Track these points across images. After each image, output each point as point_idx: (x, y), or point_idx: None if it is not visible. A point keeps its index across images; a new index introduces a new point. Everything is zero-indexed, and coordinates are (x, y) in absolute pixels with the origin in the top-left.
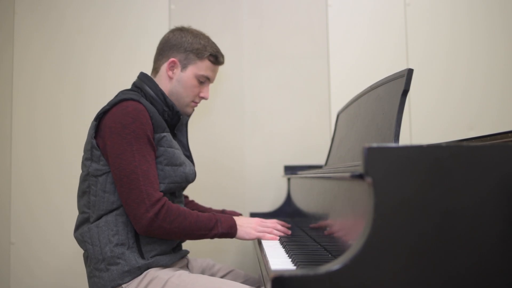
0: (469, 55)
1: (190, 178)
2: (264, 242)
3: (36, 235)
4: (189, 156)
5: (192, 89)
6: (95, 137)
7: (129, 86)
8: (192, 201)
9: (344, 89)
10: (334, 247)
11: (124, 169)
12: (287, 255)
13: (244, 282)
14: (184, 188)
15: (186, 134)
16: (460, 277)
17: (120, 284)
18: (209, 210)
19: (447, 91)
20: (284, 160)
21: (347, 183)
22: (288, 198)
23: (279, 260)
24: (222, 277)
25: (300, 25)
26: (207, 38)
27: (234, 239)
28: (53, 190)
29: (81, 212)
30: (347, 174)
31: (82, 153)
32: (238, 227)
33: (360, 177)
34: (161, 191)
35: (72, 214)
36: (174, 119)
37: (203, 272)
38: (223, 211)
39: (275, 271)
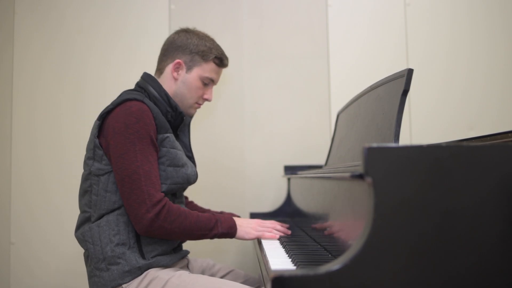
0: (469, 55)
1: (191, 179)
2: (264, 242)
3: (36, 235)
4: (191, 157)
5: (196, 90)
6: (98, 137)
7: (129, 86)
8: (192, 202)
9: (344, 89)
10: (334, 247)
11: (126, 169)
12: (287, 255)
13: (244, 282)
14: (185, 189)
15: (188, 135)
16: (460, 277)
17: (121, 284)
18: (207, 211)
19: (447, 91)
20: (284, 160)
21: (347, 183)
22: (288, 198)
23: (279, 260)
24: (222, 277)
25: (300, 25)
26: (212, 40)
27: (234, 239)
28: (53, 190)
29: (82, 211)
30: (347, 174)
31: (82, 153)
32: (238, 227)
33: (360, 177)
34: (162, 192)
35: (72, 214)
36: (177, 120)
37: (203, 272)
38: (221, 213)
39: (275, 271)
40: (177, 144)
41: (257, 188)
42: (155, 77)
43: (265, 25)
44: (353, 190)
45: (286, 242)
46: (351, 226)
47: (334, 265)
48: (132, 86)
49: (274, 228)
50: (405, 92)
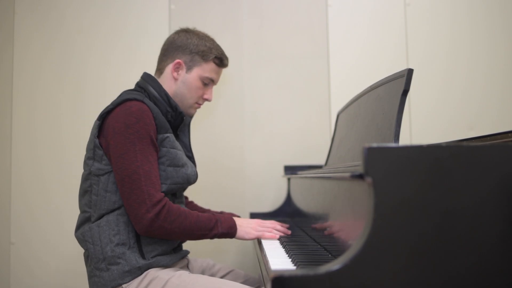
0: (469, 55)
1: (191, 179)
2: (264, 242)
3: (36, 235)
4: (191, 157)
5: (196, 90)
6: (98, 137)
7: (129, 86)
8: (192, 202)
9: (344, 89)
10: (334, 247)
11: (126, 169)
12: (287, 255)
13: (244, 282)
14: (185, 189)
15: (188, 135)
16: (460, 277)
17: (121, 284)
18: (207, 211)
19: (447, 91)
20: (284, 160)
21: (347, 183)
22: (288, 198)
23: (279, 260)
24: (222, 277)
25: (300, 25)
26: (212, 41)
27: (234, 239)
28: (53, 190)
29: (82, 211)
30: (347, 174)
31: (82, 153)
32: (238, 227)
33: (360, 177)
34: (162, 192)
35: (72, 214)
36: (177, 120)
37: (203, 272)
38: (221, 213)
39: (275, 271)
40: (177, 144)
41: (257, 188)
42: (155, 77)
43: (265, 25)
44: (353, 190)
45: (286, 242)
46: (351, 226)
47: (334, 265)
48: (132, 86)
49: (274, 228)
50: (405, 92)
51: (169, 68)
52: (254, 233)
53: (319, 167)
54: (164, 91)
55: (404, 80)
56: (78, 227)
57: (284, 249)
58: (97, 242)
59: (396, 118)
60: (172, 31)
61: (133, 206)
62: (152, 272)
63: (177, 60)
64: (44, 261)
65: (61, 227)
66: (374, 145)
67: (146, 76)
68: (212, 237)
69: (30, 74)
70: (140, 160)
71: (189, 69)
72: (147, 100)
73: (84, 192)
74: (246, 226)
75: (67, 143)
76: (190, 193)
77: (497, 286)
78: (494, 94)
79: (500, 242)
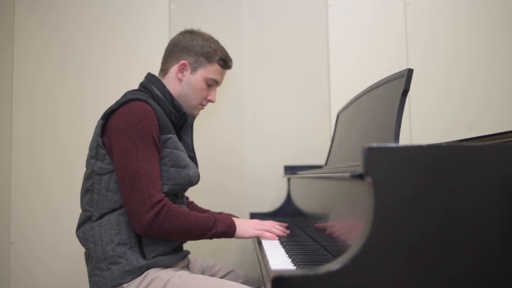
0: (469, 55)
1: (193, 180)
2: (264, 242)
3: (36, 235)
4: (193, 157)
5: (200, 92)
6: (101, 136)
7: (129, 86)
8: (192, 202)
9: (344, 89)
10: (334, 247)
11: (128, 168)
12: (287, 255)
13: (244, 282)
14: (186, 190)
15: (191, 136)
16: (460, 277)
17: (121, 284)
18: (207, 211)
19: (447, 91)
20: (284, 160)
21: (347, 183)
22: (288, 198)
23: (279, 260)
24: (222, 277)
25: (300, 25)
26: (217, 42)
27: (234, 238)
28: (53, 190)
29: (83, 210)
30: (347, 174)
31: (82, 153)
32: (236, 226)
33: (360, 177)
34: (164, 192)
35: (72, 214)
36: (181, 121)
37: (203, 273)
38: (220, 214)
39: (275, 271)
40: (180, 145)
41: (257, 188)
42: (159, 77)
43: (265, 25)
44: (353, 190)
45: (286, 242)
46: (351, 226)
47: (334, 265)
48: (132, 86)
49: (273, 226)
50: (405, 92)
51: (173, 69)
52: (253, 231)
53: (319, 167)
54: (168, 91)
55: (404, 80)
56: (79, 226)
57: (284, 249)
58: (98, 242)
59: (396, 118)
60: (172, 31)
61: (132, 206)
62: (153, 272)
63: (182, 61)
64: (44, 261)
65: (61, 227)
66: (374, 145)
67: (150, 77)
68: (211, 237)
69: (30, 74)
70: (141, 160)
71: (193, 70)
72: (151, 101)
73: (86, 191)
74: (245, 225)
75: (67, 143)
76: (190, 193)
77: (497, 286)
78: (494, 94)
79: (500, 242)
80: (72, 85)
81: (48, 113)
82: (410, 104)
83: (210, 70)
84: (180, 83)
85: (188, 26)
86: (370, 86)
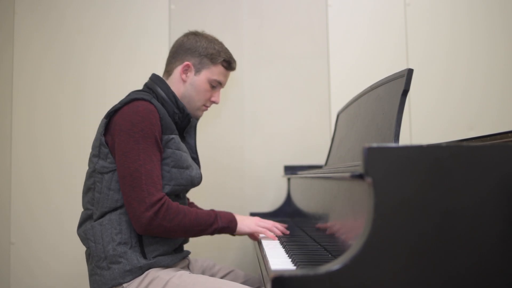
0: (469, 55)
1: (195, 181)
2: (264, 242)
3: (36, 235)
4: (196, 159)
5: (204, 93)
6: (105, 135)
7: (129, 86)
8: (192, 203)
9: (344, 89)
10: (334, 247)
11: (129, 167)
12: (287, 255)
13: (244, 283)
14: (188, 191)
15: (194, 137)
16: (460, 277)
17: (121, 283)
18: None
19: (447, 91)
20: (284, 160)
21: (347, 183)
22: (288, 198)
23: (279, 260)
24: (222, 277)
25: (300, 25)
26: (221, 44)
27: (234, 237)
28: (53, 190)
29: (85, 208)
30: (347, 174)
31: (82, 153)
32: (238, 221)
33: (360, 177)
34: (166, 193)
35: (72, 214)
36: (184, 122)
37: (203, 273)
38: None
39: (275, 271)
40: (183, 145)
41: (257, 188)
42: (163, 78)
43: (265, 25)
44: (353, 190)
45: (286, 242)
46: (351, 226)
47: (334, 265)
48: (132, 86)
49: (274, 226)
50: (405, 92)
51: (177, 70)
52: (254, 227)
53: (319, 167)
54: (172, 92)
55: (404, 80)
56: (80, 224)
57: (284, 249)
58: (99, 241)
59: (396, 118)
60: (172, 31)
61: (132, 204)
62: (153, 272)
63: (186, 63)
64: (44, 261)
65: (61, 227)
66: (374, 145)
67: (154, 77)
68: (212, 232)
69: (30, 74)
70: (142, 159)
71: (197, 71)
72: (154, 101)
73: (88, 189)
74: (246, 220)
75: (67, 143)
76: (190, 193)
77: (497, 286)
78: (494, 94)
79: (500, 242)
80: (72, 85)
81: (48, 113)
82: (410, 104)
83: (214, 72)
84: (184, 84)
85: (188, 26)
86: (370, 86)
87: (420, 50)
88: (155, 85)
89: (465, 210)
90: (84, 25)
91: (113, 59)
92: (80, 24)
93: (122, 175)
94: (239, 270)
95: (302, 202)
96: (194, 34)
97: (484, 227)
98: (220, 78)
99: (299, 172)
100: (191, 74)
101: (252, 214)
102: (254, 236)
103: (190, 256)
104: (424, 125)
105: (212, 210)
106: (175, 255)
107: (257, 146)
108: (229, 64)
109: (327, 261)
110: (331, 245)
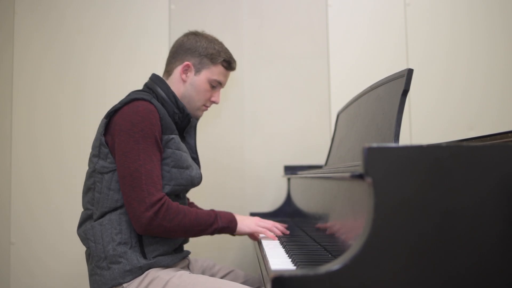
0: (469, 55)
1: (195, 181)
2: (264, 242)
3: (36, 235)
4: (196, 159)
5: (204, 93)
6: (105, 135)
7: (129, 86)
8: (192, 203)
9: (344, 89)
10: (334, 247)
11: (128, 167)
12: (287, 255)
13: (244, 283)
14: (188, 191)
15: (194, 137)
16: (460, 277)
17: (121, 283)
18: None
19: (447, 91)
20: (284, 160)
21: (347, 183)
22: (288, 198)
23: (279, 260)
24: (222, 277)
25: (300, 25)
26: (221, 44)
27: (234, 237)
28: (53, 190)
29: (85, 208)
30: (347, 174)
31: (82, 153)
32: (238, 221)
33: (360, 177)
34: (166, 193)
35: (72, 214)
36: (184, 122)
37: (203, 273)
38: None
39: (275, 271)
40: (183, 145)
41: (257, 188)
42: (164, 78)
43: (265, 25)
44: (353, 190)
45: (286, 242)
46: (351, 226)
47: (334, 265)
48: (132, 86)
49: (274, 226)
50: (405, 92)
51: (177, 70)
52: (255, 227)
53: (319, 167)
54: (172, 92)
55: (404, 80)
56: (80, 224)
57: (284, 249)
58: (99, 241)
59: (396, 118)
60: (172, 31)
61: (132, 204)
62: (153, 272)
63: (186, 62)
64: (44, 261)
65: (61, 227)
66: (374, 145)
67: (154, 78)
68: (212, 232)
69: (30, 74)
70: (142, 159)
71: (197, 71)
72: (154, 101)
73: (88, 189)
74: (246, 220)
75: (67, 143)
76: (190, 192)
77: (497, 286)
78: (494, 94)
79: (500, 242)
80: (72, 85)
81: (48, 113)
82: (410, 104)
83: (214, 72)
84: (184, 84)
85: (188, 26)
86: (370, 86)
87: (420, 50)
88: (155, 85)
89: (465, 210)
90: (84, 25)
91: (113, 59)
92: (80, 24)
93: (122, 175)
94: (239, 270)
95: (302, 202)
96: (194, 34)
97: (484, 227)
98: (220, 78)
99: (299, 172)
100: (191, 74)
101: (252, 214)
102: (254, 236)
103: (190, 256)
104: (424, 125)
105: (212, 210)
106: (175, 255)
107: (257, 146)
108: (229, 64)
109: (327, 261)
110: (331, 245)
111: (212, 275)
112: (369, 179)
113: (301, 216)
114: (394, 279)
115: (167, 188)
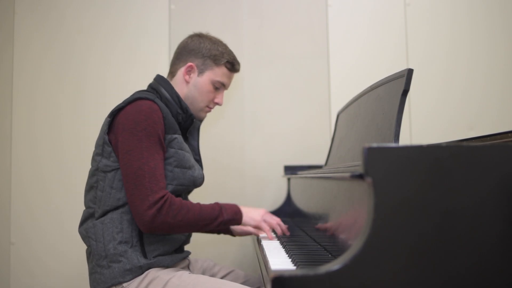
0: (469, 55)
1: (198, 182)
2: (264, 242)
3: (36, 235)
4: (198, 160)
5: (207, 94)
6: (108, 133)
7: (129, 86)
8: None
9: (344, 89)
10: (334, 247)
11: (132, 165)
12: (287, 255)
13: (244, 283)
14: (190, 192)
15: (197, 139)
16: (460, 277)
17: (121, 282)
18: None
19: (447, 91)
20: (284, 160)
21: (347, 183)
22: (288, 198)
23: (279, 260)
24: (222, 277)
25: (300, 25)
26: (224, 46)
27: (234, 238)
28: (53, 190)
29: (87, 207)
30: (347, 174)
31: (82, 153)
32: (243, 213)
33: (360, 177)
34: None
35: (72, 214)
36: (187, 122)
37: (203, 273)
38: None
39: (275, 271)
40: (185, 146)
41: (257, 188)
42: (168, 79)
43: (265, 25)
44: (353, 190)
45: (286, 242)
46: (351, 226)
47: (334, 265)
48: (132, 86)
49: (278, 223)
50: (405, 92)
51: (181, 71)
52: (259, 221)
53: (319, 167)
54: (176, 93)
55: (404, 80)
56: (82, 223)
57: (284, 249)
58: (100, 239)
59: (396, 118)
60: (172, 31)
61: (135, 203)
62: (153, 272)
63: (189, 63)
64: (44, 261)
65: (61, 227)
66: (374, 145)
67: (159, 78)
68: (218, 226)
69: (30, 74)
70: (146, 157)
71: (200, 72)
72: (158, 100)
73: (90, 187)
74: (252, 212)
75: (67, 143)
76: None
77: (497, 286)
78: (494, 94)
79: (500, 242)
80: (72, 85)
81: (48, 113)
82: (410, 104)
83: (217, 73)
84: (187, 85)
85: (188, 26)
86: (370, 86)
87: (420, 50)
88: (159, 85)
89: (465, 210)
90: (84, 25)
91: (113, 59)
92: (80, 24)
93: (125, 173)
94: (239, 270)
95: (302, 202)
96: (198, 36)
97: (484, 227)
98: (223, 79)
99: (299, 172)
100: (194, 75)
101: None
102: (256, 229)
103: (190, 256)
104: (424, 125)
105: (217, 203)
106: (175, 255)
107: (257, 146)
108: (232, 65)
109: (327, 261)
110: (331, 245)
111: (212, 275)
112: (369, 179)
113: (301, 216)
114: (394, 279)
115: (170, 188)
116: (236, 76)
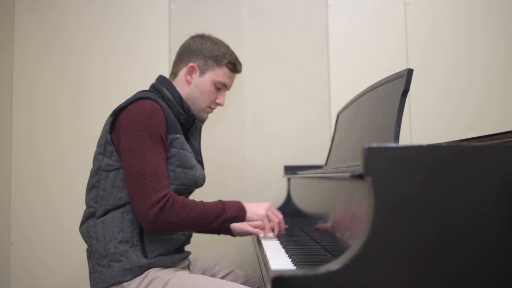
0: (469, 55)
1: (199, 182)
2: (264, 242)
3: (36, 235)
4: (200, 161)
5: (208, 94)
6: (110, 133)
7: (129, 86)
8: None
9: (344, 89)
10: (334, 247)
11: (134, 164)
12: (287, 255)
13: (244, 283)
14: (191, 192)
15: (199, 139)
16: (460, 277)
17: (121, 282)
18: None
19: (447, 91)
20: (284, 160)
21: (347, 183)
22: (288, 198)
23: (279, 260)
24: (222, 277)
25: (300, 25)
26: (226, 46)
27: (234, 238)
28: (53, 190)
29: (88, 206)
30: (347, 174)
31: (82, 153)
32: (247, 209)
33: (360, 177)
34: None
35: (72, 214)
36: (189, 123)
37: (203, 273)
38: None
39: (275, 271)
40: (187, 146)
41: (257, 188)
42: (170, 80)
43: (265, 25)
44: (353, 190)
45: (286, 242)
46: (351, 226)
47: (334, 265)
48: (132, 86)
49: (280, 221)
50: (405, 92)
51: (183, 71)
52: (263, 214)
53: (319, 167)
54: (177, 93)
55: (404, 80)
56: (83, 222)
57: (284, 249)
58: (101, 238)
59: (396, 118)
60: (172, 31)
61: (138, 202)
62: (153, 272)
63: (191, 64)
64: (44, 261)
65: (61, 227)
66: (374, 145)
67: (161, 79)
68: (221, 223)
69: (30, 74)
70: (148, 156)
71: (202, 73)
72: (160, 100)
73: (92, 187)
74: (255, 208)
75: (67, 143)
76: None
77: (497, 286)
78: (494, 94)
79: (500, 242)
80: (72, 85)
81: (48, 113)
82: (410, 104)
83: (219, 73)
84: (189, 86)
85: (188, 26)
86: (370, 86)
87: (420, 50)
88: (161, 86)
89: (465, 210)
90: (84, 25)
91: (113, 59)
92: (80, 24)
93: (127, 172)
94: (239, 270)
95: (302, 202)
96: (200, 37)
97: (484, 227)
98: (225, 80)
99: (299, 172)
100: (195, 76)
101: None
102: (256, 229)
103: (190, 256)
104: (424, 125)
105: (220, 201)
106: (175, 255)
107: (257, 146)
108: (234, 66)
109: (327, 261)
110: (331, 245)
111: (212, 276)
112: (369, 179)
113: (301, 216)
114: (394, 279)
115: (171, 188)
116: (236, 76)
